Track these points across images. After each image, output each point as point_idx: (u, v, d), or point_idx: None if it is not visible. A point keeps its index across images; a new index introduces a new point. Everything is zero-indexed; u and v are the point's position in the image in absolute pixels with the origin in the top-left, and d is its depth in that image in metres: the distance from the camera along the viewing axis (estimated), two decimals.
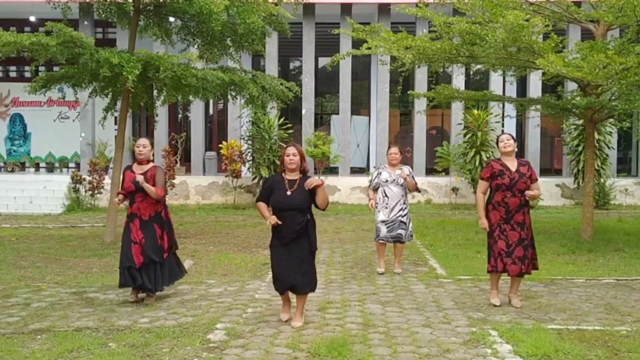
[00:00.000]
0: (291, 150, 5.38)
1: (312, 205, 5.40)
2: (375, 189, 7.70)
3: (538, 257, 6.26)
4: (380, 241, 7.65)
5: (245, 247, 9.53)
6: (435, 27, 9.57)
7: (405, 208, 7.63)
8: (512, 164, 6.02)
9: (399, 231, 7.56)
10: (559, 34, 9.32)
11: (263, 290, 6.72)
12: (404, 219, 7.57)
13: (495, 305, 6.02)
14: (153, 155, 6.56)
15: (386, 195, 7.57)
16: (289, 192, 5.28)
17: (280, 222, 5.23)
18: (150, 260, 6.10)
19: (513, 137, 6.18)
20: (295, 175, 5.37)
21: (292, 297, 5.60)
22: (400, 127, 19.77)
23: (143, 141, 6.33)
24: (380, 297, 6.43)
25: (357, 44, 11.16)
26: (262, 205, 5.43)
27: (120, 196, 6.25)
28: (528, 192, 5.93)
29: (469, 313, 5.77)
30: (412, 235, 7.83)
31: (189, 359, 4.57)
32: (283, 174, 5.43)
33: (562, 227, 11.33)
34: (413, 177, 7.64)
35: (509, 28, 8.12)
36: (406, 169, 7.66)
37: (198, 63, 10.33)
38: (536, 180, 6.07)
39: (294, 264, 5.32)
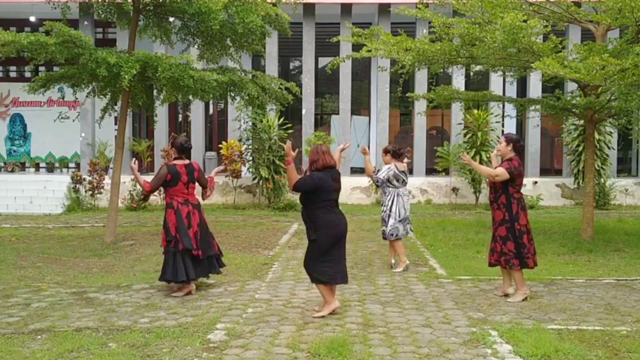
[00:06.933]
0: None
1: (313, 201, 5.60)
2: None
3: (539, 257, 6.31)
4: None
5: (245, 247, 9.53)
6: (435, 29, 9.57)
7: (383, 205, 7.74)
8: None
9: (382, 229, 7.76)
10: (558, 35, 9.32)
11: (263, 290, 6.73)
12: (383, 216, 7.73)
13: (495, 295, 6.40)
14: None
15: None
16: None
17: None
18: None
19: (506, 139, 6.31)
20: None
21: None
22: (400, 127, 19.77)
23: None
24: (380, 297, 6.43)
25: (357, 45, 11.17)
26: None
27: None
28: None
29: (469, 313, 5.77)
30: (392, 234, 7.63)
31: (189, 359, 4.57)
32: None
33: (562, 227, 11.34)
34: (391, 172, 7.56)
35: (507, 30, 8.12)
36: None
37: (198, 63, 10.31)
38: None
39: None
